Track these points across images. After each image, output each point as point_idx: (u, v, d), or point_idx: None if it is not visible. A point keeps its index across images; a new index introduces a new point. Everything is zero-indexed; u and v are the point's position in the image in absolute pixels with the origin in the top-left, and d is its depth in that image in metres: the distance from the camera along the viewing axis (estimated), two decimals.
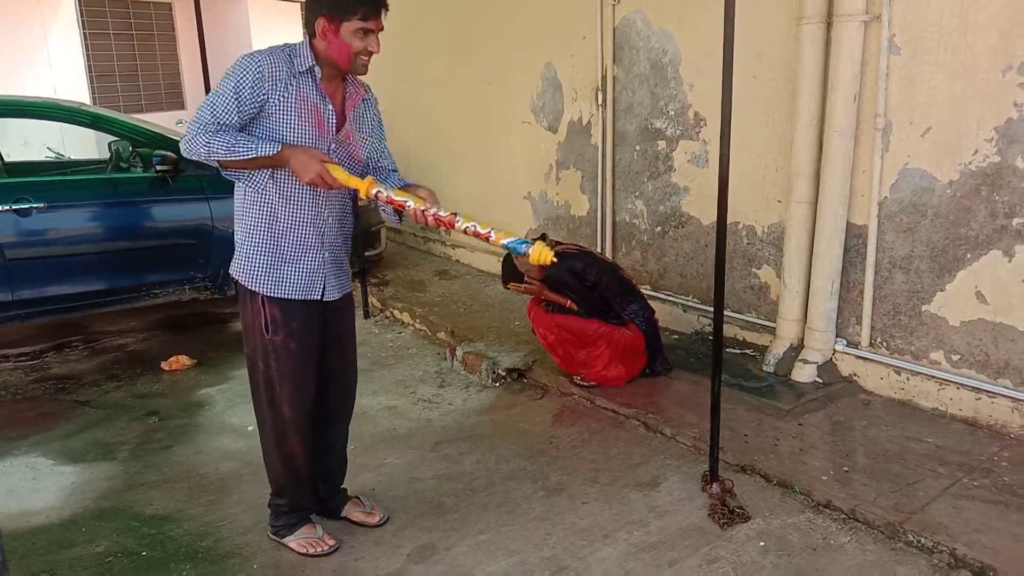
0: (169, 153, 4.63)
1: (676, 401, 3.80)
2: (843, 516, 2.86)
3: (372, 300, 5.62)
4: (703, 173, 4.52)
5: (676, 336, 4.67)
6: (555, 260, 2.28)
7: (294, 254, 2.51)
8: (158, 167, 4.63)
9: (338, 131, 2.49)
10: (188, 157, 2.34)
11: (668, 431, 3.53)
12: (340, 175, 2.33)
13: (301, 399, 2.64)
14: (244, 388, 4.23)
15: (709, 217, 4.47)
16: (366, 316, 5.45)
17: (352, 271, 5.73)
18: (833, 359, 3.93)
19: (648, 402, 3.80)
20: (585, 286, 3.95)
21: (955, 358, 3.53)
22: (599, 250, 5.20)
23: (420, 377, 4.45)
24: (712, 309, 3.04)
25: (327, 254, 2.58)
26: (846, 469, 3.13)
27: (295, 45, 2.42)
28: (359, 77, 2.54)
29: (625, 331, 3.93)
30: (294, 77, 2.37)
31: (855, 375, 3.87)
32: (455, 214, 2.32)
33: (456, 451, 3.51)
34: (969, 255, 3.40)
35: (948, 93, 3.37)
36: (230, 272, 2.58)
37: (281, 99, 2.35)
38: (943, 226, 3.47)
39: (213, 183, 4.72)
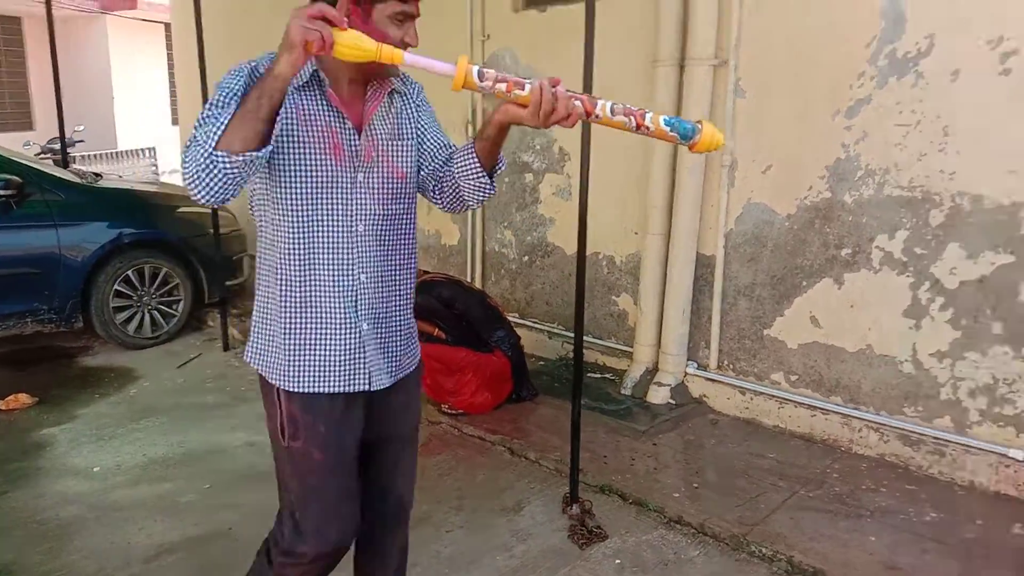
0: (13, 177, 4.35)
1: (541, 426, 3.90)
2: (693, 531, 3.01)
3: (232, 331, 5.44)
4: (567, 205, 4.69)
5: (542, 362, 4.79)
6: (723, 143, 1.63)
7: (316, 331, 1.78)
8: (0, 191, 4.34)
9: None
10: (209, 200, 1.56)
11: (532, 455, 3.61)
12: (348, 37, 1.49)
13: (328, 537, 1.86)
14: (90, 427, 4.03)
15: (572, 247, 4.63)
16: (225, 348, 5.27)
17: (211, 301, 5.61)
18: (685, 381, 4.15)
19: (514, 428, 3.87)
20: (453, 314, 4.00)
21: (793, 378, 3.80)
22: (469, 279, 5.27)
23: None
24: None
25: (366, 326, 1.80)
26: (696, 486, 3.31)
27: None
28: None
29: (492, 358, 4.00)
30: (290, 94, 1.66)
31: (705, 396, 4.10)
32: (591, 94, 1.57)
33: None
34: (805, 283, 3.70)
35: (787, 134, 3.67)
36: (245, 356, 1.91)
37: (281, 125, 1.60)
38: (782, 256, 3.76)
39: (63, 209, 4.48)
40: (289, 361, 1.79)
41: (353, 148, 1.73)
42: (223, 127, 1.49)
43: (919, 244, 3.31)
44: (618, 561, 2.84)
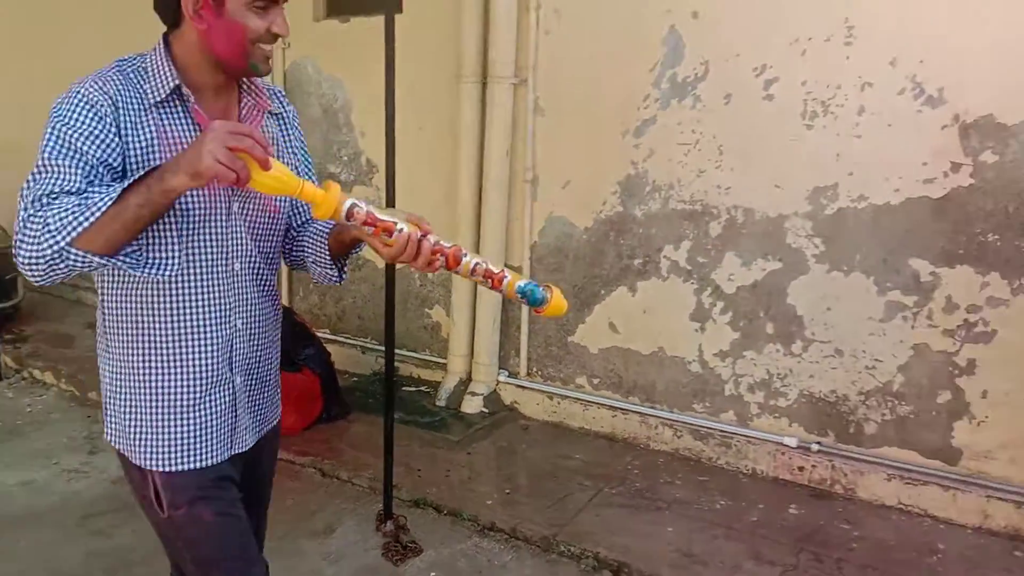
0: None
1: (353, 444, 3.82)
2: (506, 536, 3.08)
3: (5, 359, 4.89)
4: None
5: (356, 378, 4.70)
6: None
7: (189, 392, 1.53)
8: None
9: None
10: (34, 278, 1.31)
11: (344, 475, 3.53)
12: (268, 174, 1.29)
13: None
14: None
15: (383, 260, 4.60)
16: None
17: None
18: (497, 390, 4.24)
19: (325, 448, 3.77)
20: None
21: (595, 381, 4.00)
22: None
23: (66, 445, 3.95)
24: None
25: (239, 379, 1.60)
26: (508, 491, 3.39)
27: (136, 58, 1.47)
28: (259, 80, 1.59)
29: (299, 377, 3.88)
30: (148, 111, 1.41)
31: (516, 403, 4.22)
32: (459, 247, 1.51)
33: (109, 524, 3.17)
34: (603, 291, 3.90)
35: (582, 151, 3.86)
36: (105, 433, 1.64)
37: (136, 152, 1.39)
38: (582, 267, 3.95)
39: None
40: (156, 435, 1.53)
41: None
42: (86, 224, 1.24)
43: (701, 253, 3.61)
44: (433, 574, 2.85)
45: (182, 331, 1.50)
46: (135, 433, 1.54)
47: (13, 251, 1.30)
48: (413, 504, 3.30)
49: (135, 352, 1.50)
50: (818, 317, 3.40)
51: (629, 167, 3.73)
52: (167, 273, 1.43)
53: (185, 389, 1.52)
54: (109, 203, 1.25)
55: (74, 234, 1.24)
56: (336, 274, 1.64)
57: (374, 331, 4.81)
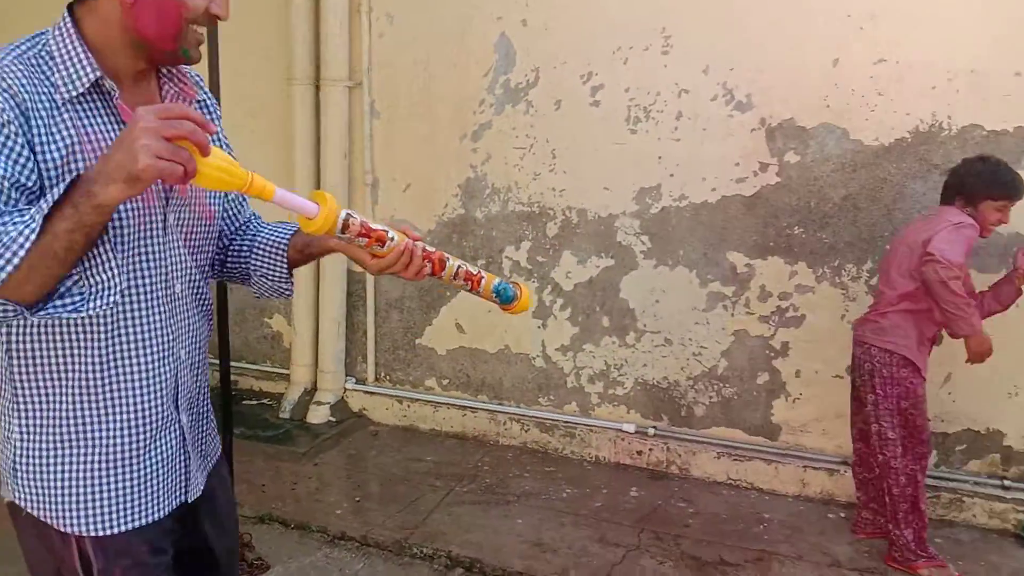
0: None
1: None
2: (357, 544, 3.05)
3: None
4: None
5: None
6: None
7: (129, 440, 1.27)
8: None
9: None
10: None
11: None
12: (214, 163, 1.06)
13: None
14: None
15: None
16: None
17: None
18: (345, 397, 4.19)
19: None
20: None
21: (444, 382, 4.04)
22: None
23: None
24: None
25: (185, 418, 1.36)
26: (358, 499, 3.36)
27: (34, 41, 1.18)
28: (186, 68, 1.34)
29: None
30: (62, 110, 1.14)
31: (365, 409, 4.19)
32: (440, 251, 1.42)
33: None
34: (449, 293, 3.95)
35: (421, 155, 3.88)
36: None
37: (52, 164, 1.12)
38: None
39: None
40: (89, 493, 1.26)
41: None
42: (10, 269, 1.00)
43: (540, 253, 3.73)
44: None
45: (120, 370, 1.24)
46: (59, 493, 1.26)
47: None
48: (258, 520, 3.20)
49: (59, 399, 1.23)
50: (648, 309, 3.60)
51: (469, 170, 3.79)
52: (109, 302, 1.17)
53: (126, 437, 1.26)
54: (33, 236, 1.00)
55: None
56: (291, 288, 1.47)
57: (211, 344, 4.60)
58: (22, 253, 1.00)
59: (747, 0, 3.21)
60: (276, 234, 1.45)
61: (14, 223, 1.02)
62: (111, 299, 1.17)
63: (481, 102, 3.69)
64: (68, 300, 1.12)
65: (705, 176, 3.39)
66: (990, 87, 2.98)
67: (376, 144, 3.95)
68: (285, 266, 1.43)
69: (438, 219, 3.90)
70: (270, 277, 1.44)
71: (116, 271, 1.17)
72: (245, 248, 1.47)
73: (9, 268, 1.00)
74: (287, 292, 1.47)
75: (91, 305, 1.15)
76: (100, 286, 1.16)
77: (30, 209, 1.04)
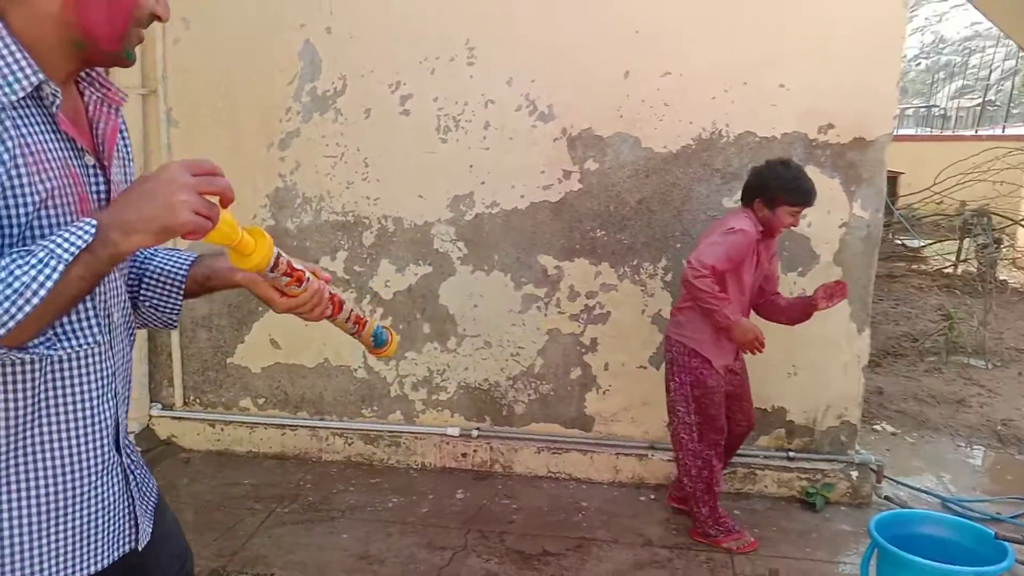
0: None
1: None
2: None
3: None
4: None
5: None
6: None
7: (68, 493, 1.13)
8: None
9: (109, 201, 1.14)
10: None
11: None
12: (225, 219, 1.04)
13: None
14: None
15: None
16: None
17: None
18: (150, 425, 3.93)
19: None
20: None
21: (261, 401, 3.90)
22: None
23: None
24: None
25: (127, 459, 1.24)
26: None
27: None
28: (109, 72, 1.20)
29: None
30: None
31: (174, 436, 3.95)
32: (337, 293, 1.36)
33: None
34: (260, 307, 3.81)
35: (225, 164, 3.66)
36: None
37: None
38: None
39: None
40: (25, 550, 1.11)
41: (99, 198, 1.12)
42: (20, 317, 0.90)
43: (357, 263, 3.70)
44: None
45: (59, 411, 1.10)
46: None
47: None
48: None
49: None
50: (467, 314, 3.68)
51: (277, 180, 3.69)
52: (75, 344, 1.08)
53: (66, 484, 1.13)
54: (50, 285, 0.91)
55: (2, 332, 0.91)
56: (177, 321, 1.38)
57: None
58: (36, 301, 0.91)
59: (544, 15, 3.36)
60: (171, 262, 1.33)
61: (27, 266, 0.91)
62: (74, 343, 1.08)
63: (287, 110, 3.60)
64: (44, 343, 1.03)
65: (514, 184, 3.52)
66: (759, 98, 3.31)
67: (175, 154, 3.74)
68: (180, 298, 1.33)
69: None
70: (160, 308, 1.34)
71: (91, 304, 1.10)
72: (134, 275, 1.33)
73: (20, 316, 0.91)
74: (174, 324, 1.39)
75: (65, 344, 1.07)
76: (75, 323, 1.08)
77: (33, 248, 0.93)
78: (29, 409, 1.08)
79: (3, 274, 0.91)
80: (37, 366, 1.07)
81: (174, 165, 0.99)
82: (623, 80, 3.37)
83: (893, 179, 9.58)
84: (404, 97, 3.51)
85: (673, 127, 3.39)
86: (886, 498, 3.50)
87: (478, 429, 3.76)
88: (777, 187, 2.89)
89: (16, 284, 0.90)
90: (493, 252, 3.60)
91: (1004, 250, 8.69)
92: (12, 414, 1.07)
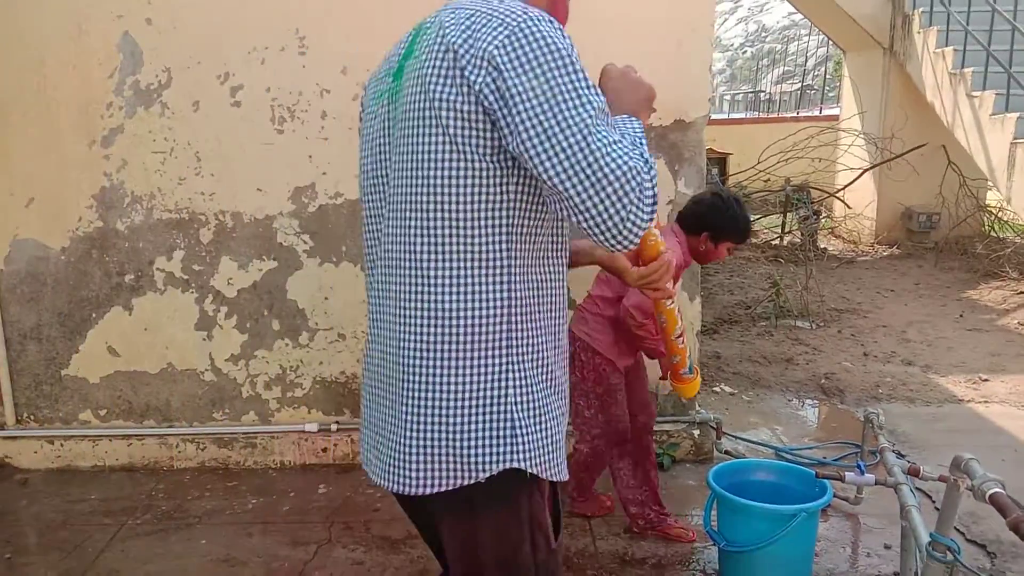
0: None
1: None
2: None
3: None
4: None
5: None
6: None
7: (564, 376, 1.37)
8: None
9: None
10: (640, 225, 1.14)
11: None
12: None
13: None
14: None
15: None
16: None
17: None
18: None
19: None
20: None
21: (103, 413, 3.70)
22: None
23: None
24: None
25: None
26: (9, 556, 2.97)
27: None
28: None
29: None
30: None
31: (8, 457, 3.69)
32: None
33: None
34: (95, 315, 3.61)
35: (43, 165, 3.49)
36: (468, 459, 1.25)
37: None
38: (65, 291, 3.59)
39: None
40: (560, 436, 1.34)
41: None
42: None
43: (196, 261, 3.58)
44: None
45: (559, 313, 1.34)
46: (554, 438, 1.31)
47: (643, 210, 1.15)
48: None
49: (543, 336, 1.29)
50: (318, 307, 3.64)
51: (103, 179, 3.50)
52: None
53: (563, 369, 1.37)
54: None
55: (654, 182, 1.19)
56: None
57: None
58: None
59: (371, 5, 3.36)
60: None
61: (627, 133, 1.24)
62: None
63: (109, 105, 3.42)
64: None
65: (356, 173, 3.50)
66: None
67: None
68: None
69: (72, 235, 3.54)
70: None
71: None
72: None
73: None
74: None
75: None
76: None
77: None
78: (558, 301, 1.36)
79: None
80: (556, 262, 1.34)
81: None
82: None
83: (723, 160, 10.23)
84: (234, 88, 3.42)
85: None
86: (726, 452, 3.77)
87: (337, 423, 3.74)
88: (731, 228, 2.86)
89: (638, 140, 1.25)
90: (340, 243, 3.58)
91: (823, 221, 9.50)
92: (549, 306, 1.32)
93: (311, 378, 3.72)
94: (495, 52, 1.15)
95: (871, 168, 8.85)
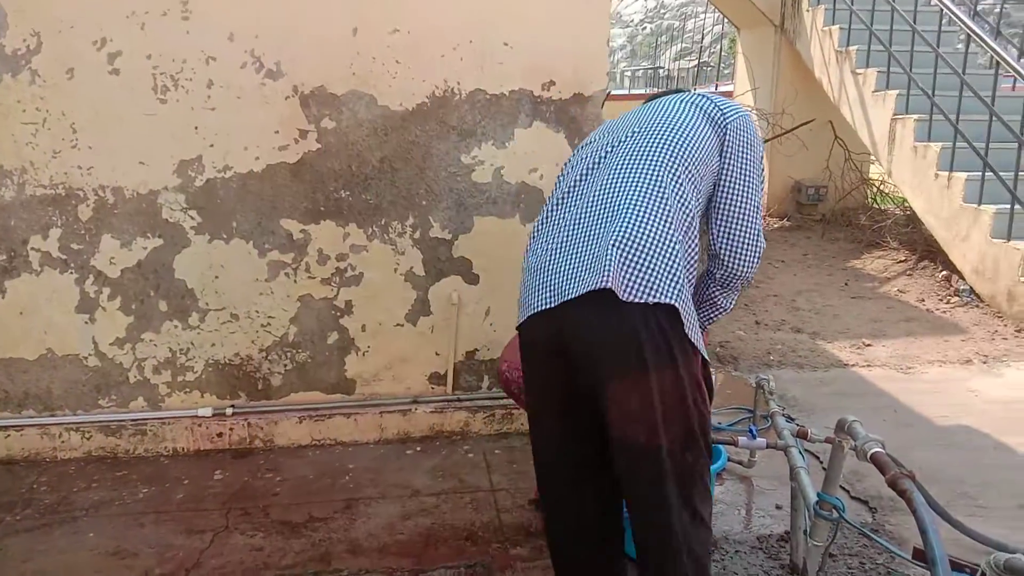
0: None
1: None
2: None
3: None
4: None
5: None
6: None
7: None
8: None
9: None
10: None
11: None
12: None
13: None
14: None
15: None
16: None
17: None
18: None
19: None
20: None
21: None
22: None
23: None
24: None
25: None
26: None
27: None
28: None
29: None
30: None
31: None
32: None
33: None
34: None
35: None
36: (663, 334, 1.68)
37: None
38: None
39: None
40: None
41: None
42: None
43: (75, 240, 3.36)
44: None
45: (695, 272, 1.88)
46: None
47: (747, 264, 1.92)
48: None
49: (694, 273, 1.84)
50: (209, 286, 3.49)
51: None
52: None
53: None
54: None
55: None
56: None
57: None
58: None
59: None
60: None
61: None
62: None
63: None
64: None
65: (247, 145, 3.37)
66: (486, 56, 3.43)
67: None
68: None
69: None
70: None
71: None
72: None
73: None
74: None
75: None
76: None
77: None
78: None
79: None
80: None
81: None
82: (352, 37, 3.33)
83: None
84: (112, 55, 3.21)
85: (407, 85, 3.42)
86: None
87: (233, 407, 3.61)
88: None
89: None
90: (230, 219, 3.43)
91: None
92: None
93: (203, 361, 3.58)
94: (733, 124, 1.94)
95: (763, 143, 9.15)
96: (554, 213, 1.92)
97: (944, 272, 6.43)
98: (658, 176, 1.76)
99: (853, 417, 2.04)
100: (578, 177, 1.93)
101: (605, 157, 1.91)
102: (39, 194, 3.30)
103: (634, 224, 1.69)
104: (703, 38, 25.34)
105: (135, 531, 2.96)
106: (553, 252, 1.80)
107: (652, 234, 1.68)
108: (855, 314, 5.82)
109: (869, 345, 5.13)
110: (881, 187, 9.00)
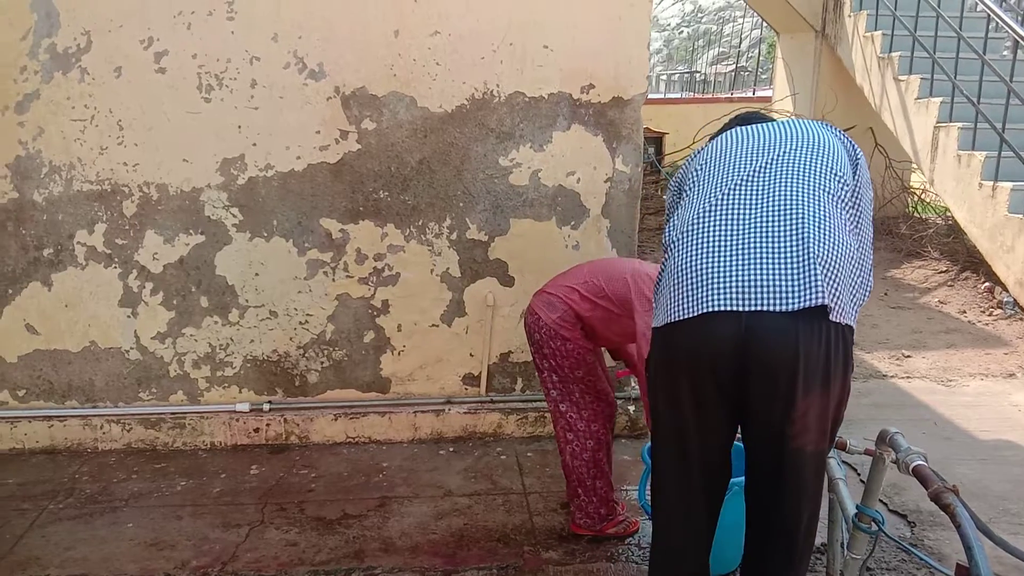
0: None
1: None
2: None
3: None
4: None
5: None
6: None
7: None
8: None
9: None
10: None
11: None
12: None
13: None
14: None
15: None
16: None
17: None
18: None
19: None
20: None
21: (21, 393, 3.54)
22: None
23: None
24: None
25: None
26: None
27: None
28: None
29: None
30: None
31: None
32: None
33: None
34: (11, 291, 3.44)
35: None
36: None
37: None
38: None
39: None
40: None
41: None
42: None
43: (119, 235, 3.43)
44: None
45: None
46: None
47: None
48: None
49: None
50: (249, 283, 3.54)
51: (18, 147, 3.32)
52: None
53: None
54: None
55: None
56: None
57: None
58: None
59: None
60: None
61: None
62: None
63: (23, 69, 3.23)
64: None
65: (288, 145, 3.41)
66: (526, 59, 3.44)
67: None
68: None
69: None
70: None
71: None
72: None
73: None
74: None
75: None
76: None
77: None
78: None
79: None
80: None
81: None
82: (393, 39, 3.36)
83: (659, 139, 10.31)
84: (159, 54, 3.27)
85: (447, 87, 3.43)
86: None
87: (270, 402, 3.66)
88: None
89: None
90: (271, 217, 3.48)
91: None
92: None
93: (242, 356, 3.62)
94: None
95: None
96: (713, 215, 1.92)
97: (987, 284, 6.29)
98: (832, 195, 1.88)
99: (894, 429, 2.01)
100: (740, 180, 1.95)
101: (770, 164, 1.96)
102: (86, 189, 3.38)
103: (831, 245, 1.79)
104: (740, 42, 25.12)
105: (173, 523, 3.01)
106: (731, 256, 1.82)
107: (845, 256, 1.81)
108: (895, 324, 5.72)
109: (909, 356, 5.03)
110: (922, 196, 8.84)
